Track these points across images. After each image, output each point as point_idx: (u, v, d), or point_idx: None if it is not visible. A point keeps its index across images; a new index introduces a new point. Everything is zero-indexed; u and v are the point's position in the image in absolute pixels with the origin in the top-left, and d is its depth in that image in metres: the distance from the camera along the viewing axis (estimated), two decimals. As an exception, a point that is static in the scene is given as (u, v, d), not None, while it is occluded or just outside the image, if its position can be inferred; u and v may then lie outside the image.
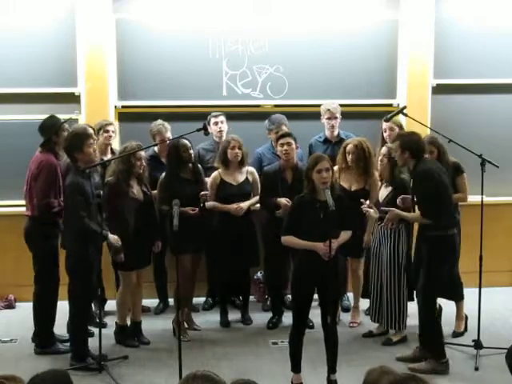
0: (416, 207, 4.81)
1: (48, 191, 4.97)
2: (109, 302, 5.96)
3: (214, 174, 5.69)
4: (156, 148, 5.92)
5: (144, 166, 5.21)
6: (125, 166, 5.10)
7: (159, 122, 5.92)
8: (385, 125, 5.78)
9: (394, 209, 4.93)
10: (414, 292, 5.08)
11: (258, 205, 5.80)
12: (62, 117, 5.28)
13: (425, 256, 4.78)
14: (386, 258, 5.22)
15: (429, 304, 4.77)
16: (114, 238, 4.97)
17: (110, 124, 5.86)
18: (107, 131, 5.78)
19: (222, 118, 6.09)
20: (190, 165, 5.49)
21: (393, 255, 5.20)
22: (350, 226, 4.48)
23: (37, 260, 5.10)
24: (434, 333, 4.79)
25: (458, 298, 5.50)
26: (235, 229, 5.58)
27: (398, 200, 5.02)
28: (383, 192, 5.33)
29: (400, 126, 5.76)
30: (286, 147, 5.48)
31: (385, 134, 5.79)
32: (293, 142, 5.52)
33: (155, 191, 5.47)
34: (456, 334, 5.42)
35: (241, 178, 5.69)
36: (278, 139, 5.55)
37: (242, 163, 5.66)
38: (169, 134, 5.85)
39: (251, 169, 5.78)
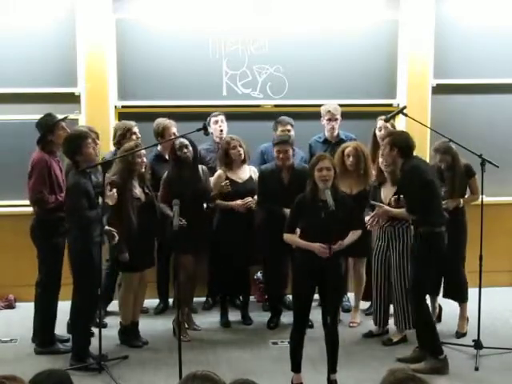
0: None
1: (40, 186, 4.98)
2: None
3: (218, 172, 5.68)
4: (159, 146, 5.86)
5: (145, 163, 5.20)
6: (125, 164, 5.09)
7: (163, 118, 5.88)
8: (379, 124, 5.79)
9: (382, 205, 4.97)
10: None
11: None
12: (61, 116, 5.26)
13: (413, 253, 4.84)
14: (395, 258, 5.19)
15: (417, 302, 4.77)
16: (110, 229, 4.91)
17: (134, 126, 5.66)
18: (134, 133, 5.60)
19: (222, 117, 6.08)
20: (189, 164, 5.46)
21: (402, 255, 5.16)
22: (358, 226, 4.54)
23: (39, 258, 5.10)
24: (427, 330, 4.79)
25: (462, 298, 5.51)
26: (237, 227, 5.58)
27: (391, 199, 5.03)
28: (388, 192, 5.24)
29: (392, 125, 5.78)
30: (281, 155, 5.46)
31: (379, 133, 5.76)
32: (290, 149, 5.48)
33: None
34: (459, 335, 5.41)
35: (245, 175, 5.69)
36: (275, 145, 5.54)
37: (244, 161, 5.67)
38: (174, 130, 5.82)
39: (253, 168, 5.79)
